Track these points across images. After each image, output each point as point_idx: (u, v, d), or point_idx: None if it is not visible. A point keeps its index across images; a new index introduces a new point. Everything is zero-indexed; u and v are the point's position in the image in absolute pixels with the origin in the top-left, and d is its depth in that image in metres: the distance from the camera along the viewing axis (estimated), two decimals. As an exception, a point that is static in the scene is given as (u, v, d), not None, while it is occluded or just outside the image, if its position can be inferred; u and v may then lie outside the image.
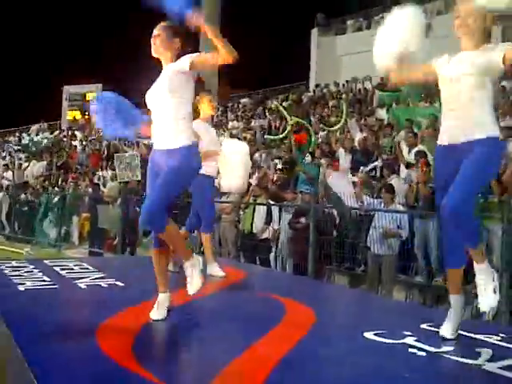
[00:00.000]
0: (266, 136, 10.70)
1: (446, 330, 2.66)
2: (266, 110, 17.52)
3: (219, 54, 2.72)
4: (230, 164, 4.47)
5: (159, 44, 2.90)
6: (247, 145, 5.32)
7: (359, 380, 2.16)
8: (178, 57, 2.89)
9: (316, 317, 3.09)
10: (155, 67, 3.01)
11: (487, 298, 2.55)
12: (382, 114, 12.75)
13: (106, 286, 3.72)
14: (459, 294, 2.71)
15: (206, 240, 4.43)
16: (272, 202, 7.48)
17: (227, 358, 2.24)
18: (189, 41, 2.98)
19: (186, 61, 2.81)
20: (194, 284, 2.89)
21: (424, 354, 2.45)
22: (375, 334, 2.71)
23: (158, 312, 2.86)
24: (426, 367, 2.33)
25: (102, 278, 3.98)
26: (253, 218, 7.34)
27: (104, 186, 11.77)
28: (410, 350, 2.50)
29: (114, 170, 11.94)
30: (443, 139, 2.62)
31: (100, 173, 13.06)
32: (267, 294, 3.80)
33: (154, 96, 2.91)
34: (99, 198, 10.53)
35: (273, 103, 16.64)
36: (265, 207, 7.39)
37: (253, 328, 2.77)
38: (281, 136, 9.98)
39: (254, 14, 26.69)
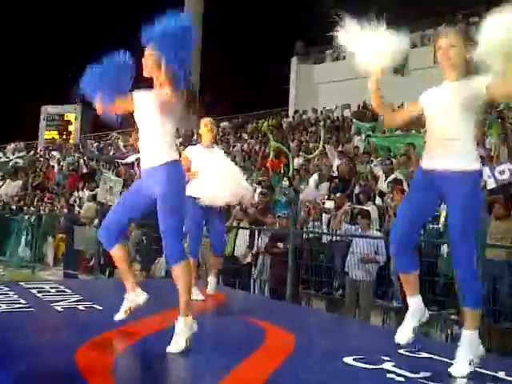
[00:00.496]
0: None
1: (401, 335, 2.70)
2: (246, 135, 17.71)
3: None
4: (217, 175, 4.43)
5: (151, 64, 2.92)
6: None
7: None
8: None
9: (296, 341, 3.11)
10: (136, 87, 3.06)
11: (462, 367, 2.55)
12: (359, 141, 13.02)
13: (83, 309, 3.67)
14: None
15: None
16: (252, 227, 7.52)
17: (211, 382, 2.23)
18: None
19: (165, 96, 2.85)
20: (178, 344, 2.71)
21: (402, 379, 2.49)
22: (354, 359, 2.73)
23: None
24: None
25: (79, 300, 3.92)
26: (235, 242, 7.34)
27: (80, 207, 11.63)
28: (389, 375, 2.54)
29: (91, 190, 11.84)
30: (424, 163, 2.69)
31: (76, 194, 12.90)
32: (247, 318, 3.80)
33: (143, 114, 2.96)
34: (75, 219, 10.39)
35: (263, 125, 16.80)
36: (247, 231, 7.40)
37: (234, 352, 2.77)
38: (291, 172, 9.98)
39: (234, 40, 27.12)
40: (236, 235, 7.38)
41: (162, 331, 3.08)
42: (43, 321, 3.37)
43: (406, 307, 2.78)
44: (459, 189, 2.53)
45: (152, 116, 2.90)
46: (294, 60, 22.60)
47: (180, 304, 2.80)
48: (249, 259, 7.33)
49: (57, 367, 2.41)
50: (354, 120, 15.40)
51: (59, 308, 3.62)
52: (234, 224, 7.66)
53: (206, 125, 4.62)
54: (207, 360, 2.64)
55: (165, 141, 2.89)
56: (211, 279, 4.57)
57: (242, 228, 7.48)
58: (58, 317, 3.43)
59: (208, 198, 4.35)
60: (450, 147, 2.57)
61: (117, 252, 2.98)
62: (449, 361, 2.79)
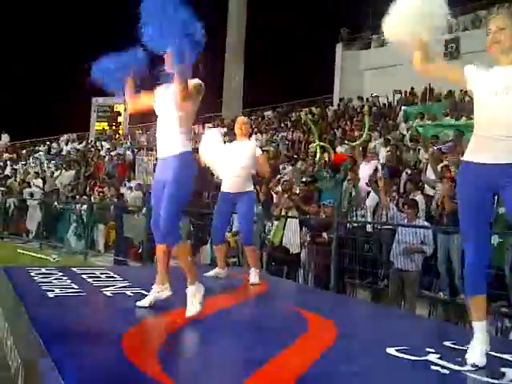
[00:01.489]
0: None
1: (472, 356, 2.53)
2: (289, 123, 17.62)
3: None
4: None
5: (168, 61, 3.06)
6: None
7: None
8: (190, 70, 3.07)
9: (338, 331, 3.11)
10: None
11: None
12: (406, 128, 12.70)
13: (131, 294, 3.80)
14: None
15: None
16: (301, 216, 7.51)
17: (251, 369, 2.28)
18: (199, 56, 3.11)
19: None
20: (191, 309, 3.06)
21: (447, 371, 2.44)
22: (397, 350, 2.70)
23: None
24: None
25: (127, 286, 4.06)
26: (283, 231, 7.34)
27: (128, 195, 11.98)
28: (433, 367, 2.49)
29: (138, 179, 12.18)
30: (478, 157, 2.48)
31: (127, 183, 13.28)
32: (290, 307, 3.82)
33: (162, 106, 3.18)
34: (125, 208, 10.71)
35: (303, 116, 16.69)
36: (296, 220, 7.37)
37: (276, 341, 2.80)
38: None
39: (279, 28, 26.93)
40: (285, 224, 7.36)
41: (208, 315, 3.16)
42: (93, 305, 3.52)
43: (452, 302, 2.69)
44: None
45: (168, 109, 3.12)
46: (338, 46, 22.21)
47: (187, 275, 3.14)
48: (297, 249, 7.31)
49: (105, 348, 2.51)
50: (402, 107, 15.00)
51: (108, 293, 3.76)
52: (283, 213, 7.65)
53: (238, 122, 4.80)
54: (248, 348, 2.69)
55: (181, 132, 3.11)
56: (252, 270, 4.63)
57: (289, 217, 7.45)
58: (107, 301, 3.57)
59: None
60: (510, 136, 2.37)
61: (163, 247, 3.26)
62: (495, 354, 2.72)
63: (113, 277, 4.48)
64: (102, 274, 4.61)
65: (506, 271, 5.39)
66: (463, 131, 8.96)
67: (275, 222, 7.68)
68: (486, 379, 2.37)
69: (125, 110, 28.11)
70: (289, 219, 7.40)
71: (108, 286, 3.99)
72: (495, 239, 5.62)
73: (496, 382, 2.35)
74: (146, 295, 3.78)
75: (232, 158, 4.59)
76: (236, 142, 4.80)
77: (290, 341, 2.78)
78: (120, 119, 28.20)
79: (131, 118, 28.06)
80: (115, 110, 28.07)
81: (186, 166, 3.12)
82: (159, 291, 3.33)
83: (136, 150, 16.72)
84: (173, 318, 3.10)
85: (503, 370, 2.49)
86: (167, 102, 3.13)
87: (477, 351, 2.53)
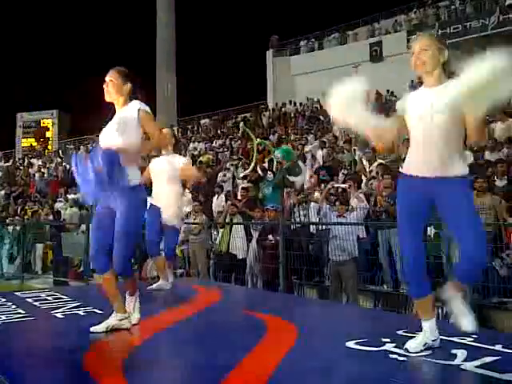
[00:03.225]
0: (240, 175, 10.76)
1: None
2: (226, 130, 17.72)
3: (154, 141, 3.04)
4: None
5: (112, 89, 3.08)
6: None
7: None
8: (130, 100, 3.09)
9: (297, 330, 3.18)
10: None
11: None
12: (338, 130, 13.12)
13: (84, 314, 3.69)
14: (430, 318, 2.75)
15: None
16: (243, 221, 7.56)
17: (222, 375, 2.29)
18: (139, 85, 3.18)
19: (135, 111, 3.02)
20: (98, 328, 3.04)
21: (405, 358, 2.58)
22: (356, 343, 2.82)
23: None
24: (409, 371, 2.46)
25: (78, 306, 3.93)
26: (229, 238, 7.36)
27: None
28: (391, 355, 2.62)
29: (74, 194, 11.76)
30: (411, 170, 2.62)
31: (61, 200, 12.79)
32: (246, 311, 3.86)
33: (105, 137, 3.07)
34: (62, 226, 10.32)
35: (240, 126, 16.80)
36: (241, 226, 7.42)
37: (240, 345, 2.83)
38: (250, 169, 10.07)
39: (211, 36, 27.06)
40: (230, 231, 7.40)
41: (164, 331, 3.14)
42: (47, 328, 3.38)
43: (395, 294, 2.82)
44: (455, 189, 2.52)
45: (115, 137, 3.02)
46: (269, 53, 22.66)
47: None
48: (244, 254, 7.36)
49: (68, 372, 2.43)
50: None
51: (59, 315, 3.63)
52: (227, 219, 7.68)
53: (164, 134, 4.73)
54: (214, 355, 2.70)
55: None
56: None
57: (235, 224, 7.49)
58: (60, 323, 3.44)
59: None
60: (436, 155, 2.52)
61: (109, 275, 3.12)
62: (446, 338, 2.90)
63: (60, 298, 4.32)
64: (48, 295, 4.43)
65: (444, 259, 5.72)
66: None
67: (221, 230, 7.70)
68: (440, 361, 2.52)
69: (52, 124, 27.12)
70: (234, 225, 7.44)
71: (58, 308, 3.84)
72: (431, 230, 5.96)
73: (451, 362, 2.50)
74: (100, 313, 3.70)
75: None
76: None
77: (253, 344, 2.82)
78: (48, 134, 27.14)
79: (60, 132, 27.08)
80: (42, 124, 26.99)
81: (137, 194, 3.08)
82: (121, 319, 3.14)
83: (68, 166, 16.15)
84: (133, 333, 3.04)
85: (454, 351, 2.66)
86: (111, 132, 3.07)
87: (418, 340, 2.70)
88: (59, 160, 19.28)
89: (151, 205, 4.59)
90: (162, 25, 22.93)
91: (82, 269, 9.35)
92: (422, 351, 2.64)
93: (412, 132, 2.65)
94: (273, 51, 22.46)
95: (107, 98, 3.12)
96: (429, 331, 2.71)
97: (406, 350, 2.66)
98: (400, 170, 2.74)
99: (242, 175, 10.59)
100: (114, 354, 2.68)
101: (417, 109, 2.60)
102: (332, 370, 2.46)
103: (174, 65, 22.83)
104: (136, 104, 3.05)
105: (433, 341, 2.71)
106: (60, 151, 22.18)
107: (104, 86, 3.11)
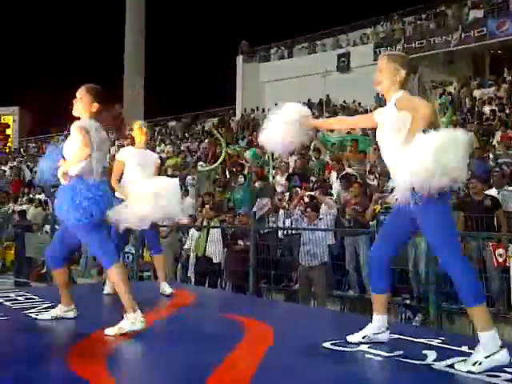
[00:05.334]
0: (199, 169, 10.81)
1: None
2: (195, 133, 17.71)
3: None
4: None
5: (79, 106, 3.21)
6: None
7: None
8: (95, 116, 3.22)
9: (274, 332, 3.26)
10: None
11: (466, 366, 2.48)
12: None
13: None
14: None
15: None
16: (215, 225, 7.59)
17: (205, 373, 2.35)
18: (106, 104, 3.29)
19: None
20: (116, 330, 3.00)
21: (380, 358, 2.70)
22: (333, 344, 2.92)
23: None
24: (384, 370, 2.59)
25: (51, 306, 3.88)
26: (206, 242, 7.37)
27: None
28: (367, 355, 2.74)
29: (39, 194, 11.50)
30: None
31: (24, 200, 12.47)
32: (222, 313, 3.91)
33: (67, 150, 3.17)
34: (25, 226, 10.07)
35: (212, 128, 16.82)
36: (219, 230, 7.42)
37: (220, 345, 2.89)
38: (212, 167, 10.16)
39: (181, 39, 26.99)
40: (207, 235, 7.41)
41: (145, 331, 3.15)
42: (23, 329, 3.33)
43: (362, 296, 2.98)
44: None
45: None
46: (239, 59, 22.80)
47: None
48: (220, 258, 7.38)
49: (54, 369, 2.43)
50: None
51: (33, 315, 3.58)
52: (205, 223, 7.68)
53: (139, 127, 4.65)
54: (197, 354, 2.74)
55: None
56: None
57: (212, 227, 7.51)
58: (36, 324, 3.40)
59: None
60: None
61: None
62: (415, 339, 3.05)
63: (32, 298, 4.25)
64: (18, 296, 4.35)
65: (410, 267, 5.94)
66: (357, 140, 10.19)
67: (196, 233, 7.68)
68: (413, 361, 2.66)
69: (13, 121, 26.33)
70: (211, 229, 7.46)
71: (30, 308, 3.78)
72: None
73: (422, 362, 2.64)
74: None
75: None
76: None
77: (233, 344, 2.88)
78: (8, 131, 26.38)
79: (21, 129, 26.37)
80: (3, 121, 26.24)
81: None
82: (66, 311, 3.41)
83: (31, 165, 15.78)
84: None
85: (424, 352, 2.81)
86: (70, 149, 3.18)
87: (359, 333, 2.92)
88: (20, 159, 18.77)
89: None
90: (130, 27, 22.72)
91: (44, 270, 9.15)
92: (361, 343, 2.86)
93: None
94: (243, 57, 22.63)
95: (74, 113, 3.24)
96: (375, 325, 2.90)
97: (346, 340, 2.89)
98: None
99: (200, 169, 10.60)
100: (97, 353, 2.68)
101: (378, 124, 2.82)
102: (312, 369, 2.55)
103: (143, 68, 22.65)
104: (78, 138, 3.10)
105: (374, 334, 2.90)
106: (21, 149, 21.58)
107: (74, 100, 3.23)
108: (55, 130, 20.90)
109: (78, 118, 3.22)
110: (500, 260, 5.41)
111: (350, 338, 2.92)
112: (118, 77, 22.09)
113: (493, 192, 6.37)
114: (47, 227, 9.50)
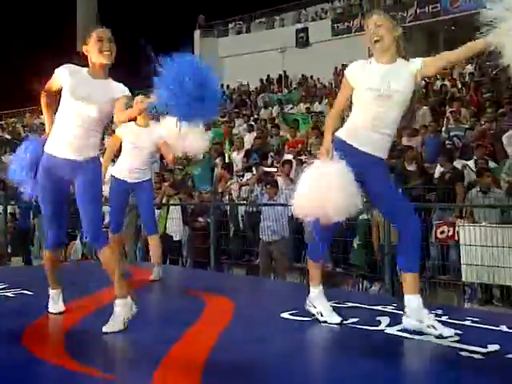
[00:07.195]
0: None
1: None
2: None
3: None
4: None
5: (113, 53, 2.85)
6: None
7: (294, 353, 2.41)
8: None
9: (234, 305, 3.32)
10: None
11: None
12: (266, 114, 13.36)
13: (13, 295, 3.59)
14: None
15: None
16: (174, 202, 7.53)
17: (164, 348, 2.37)
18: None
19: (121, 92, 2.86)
20: (114, 325, 2.67)
21: (335, 326, 2.80)
22: (291, 314, 3.01)
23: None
24: (340, 337, 2.70)
25: (5, 288, 3.81)
26: (166, 220, 7.28)
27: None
28: (323, 324, 2.83)
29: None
30: (358, 143, 2.63)
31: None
32: (183, 289, 3.94)
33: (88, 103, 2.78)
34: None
35: None
36: (179, 208, 7.34)
37: (179, 320, 2.92)
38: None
39: (137, 13, 26.16)
40: (167, 212, 7.34)
41: (99, 310, 3.13)
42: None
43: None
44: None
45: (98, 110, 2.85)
46: (196, 33, 22.37)
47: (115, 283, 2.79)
48: (180, 236, 7.33)
49: (9, 351, 2.40)
50: (261, 94, 15.71)
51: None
52: (164, 201, 7.59)
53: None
54: (156, 330, 2.77)
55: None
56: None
57: (172, 205, 7.43)
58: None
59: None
60: (388, 136, 2.63)
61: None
62: (370, 307, 3.17)
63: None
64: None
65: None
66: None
67: (157, 211, 7.59)
68: (367, 327, 2.77)
69: None
70: (171, 207, 7.39)
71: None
72: (355, 241, 6.28)
73: (376, 328, 2.75)
74: (30, 295, 3.61)
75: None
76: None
77: (192, 319, 2.92)
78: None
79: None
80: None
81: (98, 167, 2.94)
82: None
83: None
84: (69, 312, 3.02)
85: (378, 318, 2.93)
86: (98, 100, 2.83)
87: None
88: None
89: (143, 181, 4.33)
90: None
91: (-1, 251, 8.89)
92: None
93: (361, 106, 2.63)
94: (200, 32, 22.21)
95: (109, 61, 2.84)
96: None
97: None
98: (339, 136, 2.68)
99: None
100: (55, 333, 2.66)
101: (373, 84, 2.58)
102: (271, 339, 2.62)
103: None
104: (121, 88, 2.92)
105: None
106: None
107: (109, 46, 2.82)
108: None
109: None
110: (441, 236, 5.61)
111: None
112: (71, 49, 21.27)
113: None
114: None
